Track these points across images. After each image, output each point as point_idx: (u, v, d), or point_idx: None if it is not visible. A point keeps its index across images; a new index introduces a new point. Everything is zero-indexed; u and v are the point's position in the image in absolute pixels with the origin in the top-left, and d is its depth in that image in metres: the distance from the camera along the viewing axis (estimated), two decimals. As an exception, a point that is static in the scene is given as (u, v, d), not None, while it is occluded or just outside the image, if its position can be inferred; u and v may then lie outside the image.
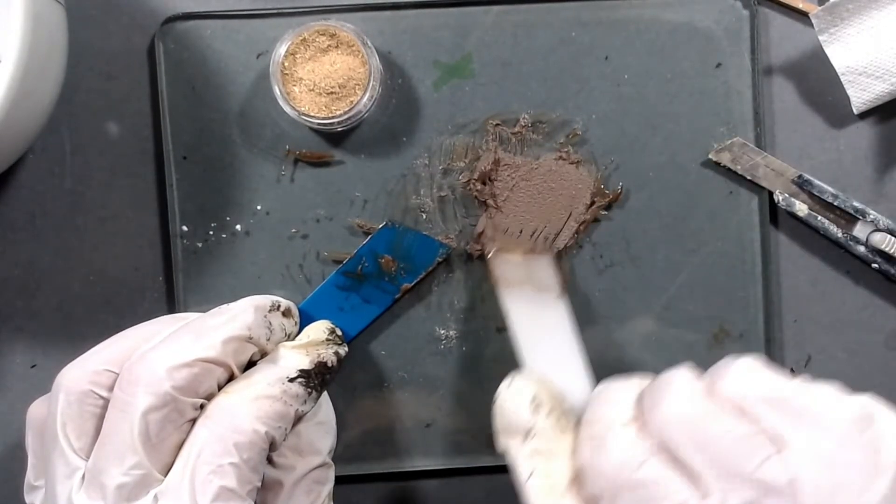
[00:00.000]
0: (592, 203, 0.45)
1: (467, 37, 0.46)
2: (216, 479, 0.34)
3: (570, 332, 0.42)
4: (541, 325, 0.41)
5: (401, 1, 0.46)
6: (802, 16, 0.46)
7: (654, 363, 0.46)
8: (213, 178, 0.46)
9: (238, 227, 0.46)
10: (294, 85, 0.44)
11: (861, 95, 0.45)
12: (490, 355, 0.46)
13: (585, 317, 0.46)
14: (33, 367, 0.47)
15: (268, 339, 0.38)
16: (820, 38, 0.45)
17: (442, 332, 0.46)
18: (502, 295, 0.42)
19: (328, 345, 0.40)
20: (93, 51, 0.46)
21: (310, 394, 0.38)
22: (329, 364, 0.39)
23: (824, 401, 0.29)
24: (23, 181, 0.47)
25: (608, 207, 0.46)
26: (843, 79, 0.45)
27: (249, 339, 0.37)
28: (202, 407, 0.35)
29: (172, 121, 0.46)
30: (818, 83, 0.47)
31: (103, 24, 0.46)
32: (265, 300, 0.39)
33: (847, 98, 0.45)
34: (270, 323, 0.38)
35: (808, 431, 0.28)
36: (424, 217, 0.46)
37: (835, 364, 0.47)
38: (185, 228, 0.46)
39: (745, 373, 0.31)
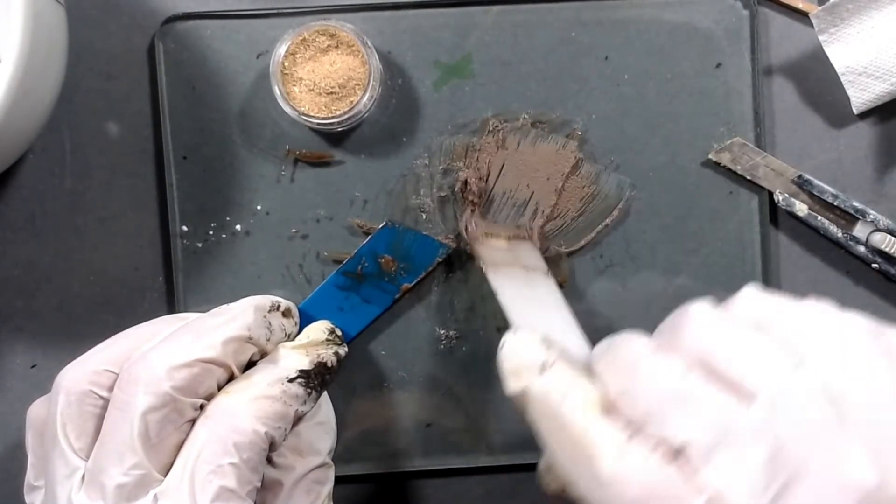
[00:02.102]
0: (573, 170, 0.45)
1: (467, 37, 0.46)
2: (216, 479, 0.34)
3: (563, 303, 0.41)
4: (532, 299, 0.41)
5: (401, 1, 0.46)
6: (802, 16, 0.46)
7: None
8: (213, 178, 0.46)
9: (238, 227, 0.46)
10: (294, 85, 0.44)
11: (861, 95, 0.45)
12: (490, 355, 0.46)
13: (585, 317, 0.46)
14: (33, 367, 0.47)
15: (267, 340, 0.38)
16: (820, 38, 0.45)
17: (442, 332, 0.46)
18: (490, 275, 0.42)
19: (328, 345, 0.40)
20: (93, 51, 0.46)
21: (309, 394, 0.38)
22: (329, 364, 0.39)
23: (837, 315, 0.30)
24: (23, 181, 0.47)
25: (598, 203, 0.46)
26: (843, 79, 0.45)
27: (249, 340, 0.37)
28: (202, 407, 0.35)
29: (172, 121, 0.46)
30: (818, 83, 0.47)
31: (103, 24, 0.46)
32: (265, 300, 0.39)
33: (847, 98, 0.45)
34: (270, 323, 0.38)
35: (831, 343, 0.29)
36: (424, 217, 0.46)
37: (835, 364, 0.47)
38: (185, 228, 0.46)
39: (756, 295, 0.32)
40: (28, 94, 0.38)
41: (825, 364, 0.29)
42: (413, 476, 0.47)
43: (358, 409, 0.46)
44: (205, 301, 0.46)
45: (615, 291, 0.46)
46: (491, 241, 0.44)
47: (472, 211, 0.45)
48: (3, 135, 0.38)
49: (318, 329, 0.41)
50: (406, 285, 0.45)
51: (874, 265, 0.46)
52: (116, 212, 0.47)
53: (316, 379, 0.38)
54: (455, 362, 0.46)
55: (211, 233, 0.46)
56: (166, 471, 0.34)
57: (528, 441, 0.47)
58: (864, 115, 0.47)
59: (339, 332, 0.41)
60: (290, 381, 0.37)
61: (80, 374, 0.36)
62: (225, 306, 0.38)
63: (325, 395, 0.40)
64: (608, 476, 0.29)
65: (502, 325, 0.46)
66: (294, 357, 0.38)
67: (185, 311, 0.46)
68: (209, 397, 0.36)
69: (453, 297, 0.46)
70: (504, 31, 0.46)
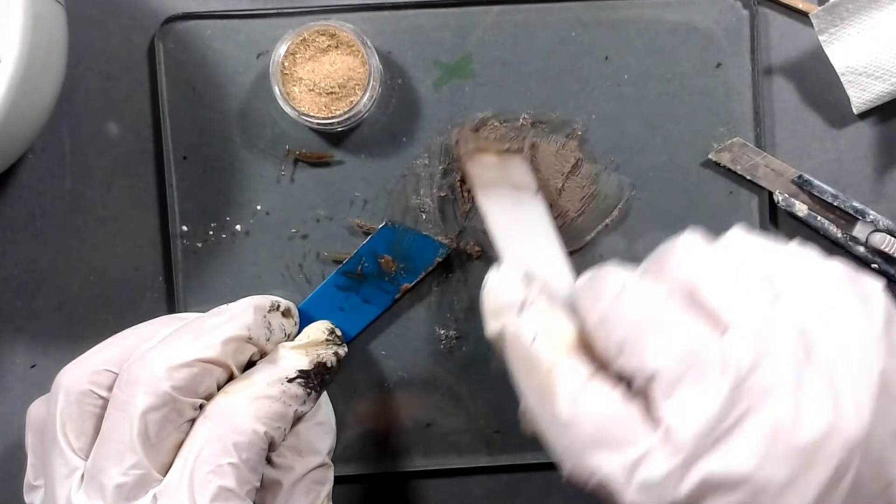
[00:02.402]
0: (573, 170, 0.45)
1: (467, 37, 0.46)
2: (215, 478, 0.34)
3: (550, 228, 0.40)
4: (519, 222, 0.40)
5: (401, 1, 0.46)
6: (802, 16, 0.46)
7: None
8: (213, 178, 0.46)
9: (238, 227, 0.46)
10: (294, 85, 0.44)
11: (861, 95, 0.45)
12: (490, 355, 0.46)
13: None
14: (33, 367, 0.47)
15: (267, 340, 0.38)
16: (820, 38, 0.45)
17: (442, 332, 0.46)
18: (479, 195, 0.41)
19: (328, 345, 0.40)
20: (93, 51, 0.46)
21: (309, 394, 0.38)
22: (328, 364, 0.39)
23: (818, 260, 0.31)
24: (23, 181, 0.47)
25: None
26: (843, 79, 0.45)
27: (249, 340, 0.37)
28: (201, 407, 0.35)
29: (172, 121, 0.46)
30: (818, 83, 0.47)
31: (103, 24, 0.46)
32: (265, 300, 0.39)
33: (847, 98, 0.45)
34: (270, 323, 0.38)
35: (809, 283, 0.30)
36: (424, 217, 0.46)
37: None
38: (185, 228, 0.46)
39: (743, 235, 0.32)
40: (28, 94, 0.38)
41: (800, 302, 0.29)
42: (413, 476, 0.47)
43: (358, 409, 0.46)
44: (205, 301, 0.46)
45: (564, 251, 0.46)
46: (482, 156, 0.43)
47: (464, 126, 0.44)
48: (3, 135, 0.38)
49: (318, 329, 0.41)
50: (406, 285, 0.45)
51: (874, 265, 0.46)
52: (116, 212, 0.47)
53: (315, 379, 0.38)
54: (455, 362, 0.46)
55: (211, 233, 0.46)
56: (165, 470, 0.34)
57: (528, 441, 0.47)
58: (864, 115, 0.47)
59: (338, 333, 0.41)
60: (290, 381, 0.37)
61: (80, 373, 0.36)
62: (224, 306, 0.38)
63: (324, 395, 0.40)
64: (565, 415, 0.29)
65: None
66: (294, 357, 0.38)
67: (185, 311, 0.46)
68: (209, 397, 0.36)
69: (453, 297, 0.46)
70: (504, 31, 0.46)
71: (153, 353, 0.35)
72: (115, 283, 0.47)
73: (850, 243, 0.46)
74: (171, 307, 0.46)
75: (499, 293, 0.33)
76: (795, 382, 0.27)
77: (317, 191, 0.46)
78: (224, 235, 0.46)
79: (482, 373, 0.46)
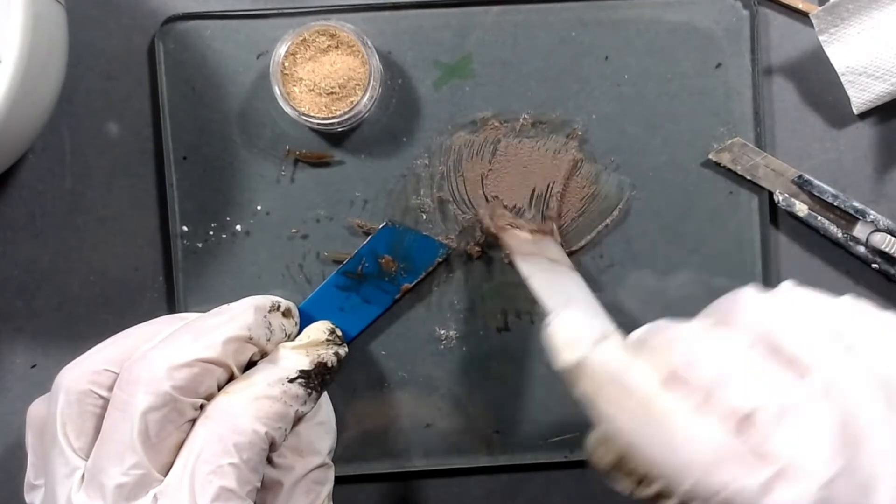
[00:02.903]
0: (573, 170, 0.45)
1: (467, 37, 0.46)
2: (216, 479, 0.34)
3: (591, 295, 0.41)
4: (562, 287, 0.41)
5: (401, 1, 0.46)
6: (802, 16, 0.46)
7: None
8: (213, 178, 0.46)
9: (238, 227, 0.46)
10: (294, 85, 0.44)
11: (861, 95, 0.45)
12: (490, 355, 0.46)
13: (585, 317, 0.46)
14: (33, 367, 0.47)
15: (268, 340, 0.38)
16: (820, 38, 0.45)
17: (442, 332, 0.46)
18: (518, 262, 0.41)
19: (328, 345, 0.40)
20: (93, 51, 0.46)
21: (310, 394, 0.38)
22: (329, 364, 0.39)
23: (875, 310, 0.32)
24: (23, 181, 0.47)
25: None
26: (843, 79, 0.45)
27: (249, 340, 0.37)
28: (202, 407, 0.35)
29: (172, 121, 0.46)
30: (818, 83, 0.47)
31: (103, 24, 0.46)
32: (265, 300, 0.39)
33: (847, 98, 0.45)
34: (270, 323, 0.38)
35: (874, 332, 0.31)
36: (424, 217, 0.46)
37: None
38: (185, 228, 0.46)
39: (798, 287, 0.33)
40: (28, 94, 0.38)
41: (872, 350, 0.30)
42: (413, 476, 0.47)
43: (358, 409, 0.46)
44: (205, 301, 0.46)
45: (615, 291, 0.46)
46: (516, 231, 0.44)
47: (496, 199, 0.45)
48: (3, 135, 0.38)
49: (319, 329, 0.41)
50: (406, 285, 0.45)
51: (874, 265, 0.46)
52: (116, 212, 0.47)
53: (316, 379, 0.38)
54: (455, 362, 0.46)
55: (211, 233, 0.46)
56: (166, 470, 0.34)
57: (528, 441, 0.47)
58: (864, 115, 0.47)
59: (339, 332, 0.41)
60: (291, 381, 0.37)
61: (80, 373, 0.36)
62: (225, 306, 0.38)
63: (325, 395, 0.40)
64: (681, 440, 0.29)
65: (502, 326, 0.46)
66: (294, 357, 0.38)
67: (185, 311, 0.46)
68: (209, 397, 0.36)
69: (453, 297, 0.46)
70: (504, 31, 0.46)
71: (154, 352, 0.35)
72: (115, 283, 0.47)
73: (850, 243, 0.46)
74: (171, 307, 0.46)
75: (573, 326, 0.33)
76: (891, 423, 0.28)
77: (317, 191, 0.46)
78: (224, 235, 0.46)
79: (482, 373, 0.46)
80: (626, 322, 0.45)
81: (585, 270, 0.46)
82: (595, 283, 0.46)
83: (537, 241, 0.44)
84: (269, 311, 0.39)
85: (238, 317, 0.37)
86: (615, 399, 0.31)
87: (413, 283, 0.45)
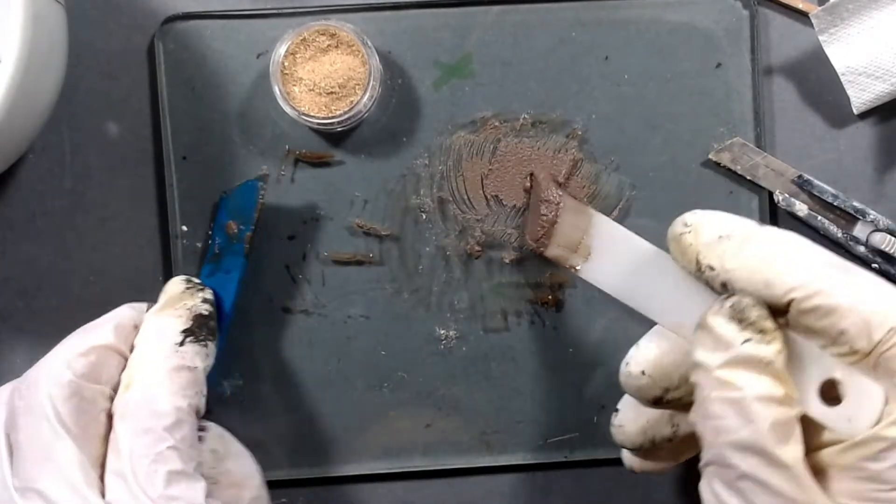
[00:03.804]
0: (573, 170, 0.45)
1: (467, 37, 0.46)
2: (160, 466, 0.33)
3: (666, 260, 0.37)
4: (639, 277, 0.38)
5: (401, 1, 0.46)
6: (802, 16, 0.46)
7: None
8: (213, 178, 0.46)
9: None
10: (294, 85, 0.44)
11: (861, 95, 0.45)
12: (490, 355, 0.46)
13: (584, 317, 0.46)
14: (33, 367, 0.47)
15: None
16: (820, 38, 0.45)
17: (442, 332, 0.46)
18: (584, 275, 0.39)
19: (191, 294, 0.39)
20: (93, 51, 0.46)
21: (205, 346, 0.37)
22: (205, 313, 0.38)
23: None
24: (23, 181, 0.47)
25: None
26: (843, 79, 0.45)
27: (135, 326, 0.37)
28: (111, 400, 0.35)
29: (172, 121, 0.46)
30: (818, 83, 0.47)
31: (103, 24, 0.46)
32: (139, 304, 0.39)
33: (847, 98, 0.45)
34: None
35: None
36: (424, 217, 0.46)
37: (835, 364, 0.47)
38: (185, 228, 0.46)
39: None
40: (28, 94, 0.38)
41: None
42: (413, 476, 0.47)
43: (358, 410, 0.46)
44: (205, 301, 0.46)
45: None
46: (560, 248, 0.40)
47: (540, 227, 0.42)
48: (2, 135, 0.38)
49: (174, 285, 0.39)
50: (248, 234, 0.43)
51: (874, 265, 0.46)
52: (116, 212, 0.47)
53: (202, 331, 0.37)
54: (455, 362, 0.46)
55: (211, 233, 0.46)
56: (100, 463, 0.34)
57: (528, 441, 0.47)
58: (864, 115, 0.47)
59: (195, 280, 0.40)
60: (181, 344, 0.36)
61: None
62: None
63: (222, 431, 0.39)
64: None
65: (500, 327, 0.46)
66: (169, 321, 0.37)
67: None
68: (115, 388, 0.35)
69: (453, 297, 0.46)
70: (504, 31, 0.46)
71: (47, 357, 0.35)
72: (115, 283, 0.47)
73: (850, 243, 0.46)
74: (171, 307, 0.46)
75: (718, 330, 0.31)
76: None
77: (317, 191, 0.46)
78: (224, 235, 0.46)
79: (482, 373, 0.46)
80: (627, 322, 0.46)
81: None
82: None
83: (567, 221, 0.41)
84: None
85: (120, 309, 0.37)
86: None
87: (253, 230, 0.43)
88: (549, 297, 0.46)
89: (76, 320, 0.46)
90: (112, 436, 0.34)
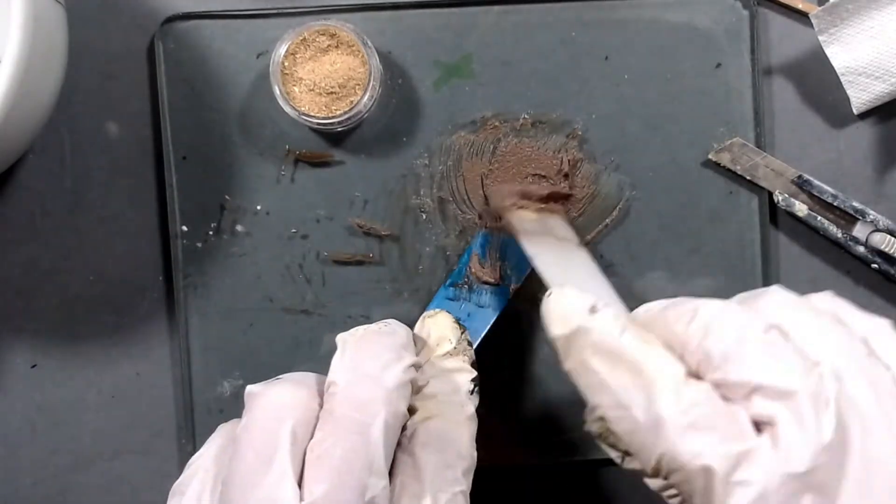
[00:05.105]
0: (573, 170, 0.45)
1: (467, 37, 0.46)
2: None
3: (599, 271, 0.40)
4: (569, 265, 0.40)
5: (401, 1, 0.46)
6: (802, 16, 0.46)
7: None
8: (213, 178, 0.46)
9: (238, 227, 0.46)
10: (294, 85, 0.44)
11: (861, 95, 0.45)
12: (489, 356, 0.46)
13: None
14: (33, 367, 0.47)
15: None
16: (820, 38, 0.45)
17: (442, 332, 0.46)
18: (524, 242, 0.41)
19: (463, 336, 0.40)
20: (93, 51, 0.46)
21: (478, 394, 0.38)
22: (474, 358, 0.39)
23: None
24: (23, 181, 0.47)
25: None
26: (843, 79, 0.45)
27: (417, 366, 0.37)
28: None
29: (172, 121, 0.46)
30: (818, 83, 0.47)
31: (103, 24, 0.46)
32: (409, 329, 0.38)
33: (847, 98, 0.45)
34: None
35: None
36: (424, 217, 0.46)
37: (835, 364, 0.47)
38: (185, 228, 0.46)
39: (834, 298, 0.33)
40: (28, 94, 0.38)
41: (889, 355, 0.30)
42: (413, 476, 0.47)
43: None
44: (205, 301, 0.46)
45: (615, 291, 0.46)
46: (521, 212, 0.43)
47: (502, 185, 0.44)
48: (3, 135, 0.38)
49: (449, 325, 0.40)
50: (514, 286, 0.45)
51: (874, 265, 0.46)
52: (116, 212, 0.47)
53: (477, 379, 0.38)
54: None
55: (211, 233, 0.46)
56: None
57: (528, 441, 0.47)
58: (864, 115, 0.47)
59: (460, 322, 0.41)
60: (472, 392, 0.37)
61: (304, 395, 0.33)
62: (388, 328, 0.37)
63: None
64: (667, 403, 0.29)
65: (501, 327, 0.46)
66: (461, 367, 0.38)
67: (185, 311, 0.46)
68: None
69: (453, 297, 0.46)
70: (504, 31, 0.46)
71: (377, 371, 0.33)
72: (115, 283, 0.47)
73: (850, 243, 0.46)
74: (171, 307, 0.46)
75: (566, 299, 0.33)
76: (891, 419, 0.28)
77: (317, 191, 0.46)
78: (224, 235, 0.46)
79: (482, 373, 0.46)
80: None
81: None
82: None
83: (544, 219, 0.43)
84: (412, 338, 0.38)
85: (409, 340, 0.36)
86: (609, 365, 0.31)
87: (521, 284, 0.45)
88: (549, 297, 0.46)
89: (76, 320, 0.47)
90: (416, 456, 0.34)
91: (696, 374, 0.31)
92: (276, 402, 0.32)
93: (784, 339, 0.30)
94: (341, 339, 0.36)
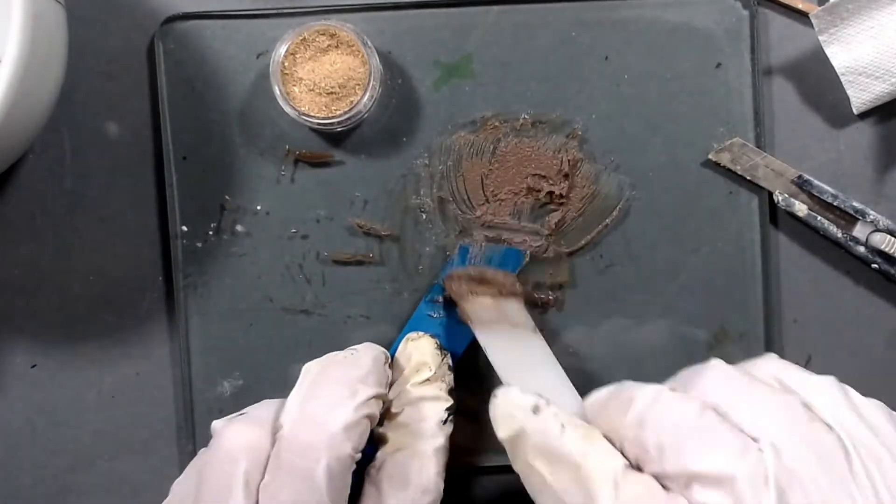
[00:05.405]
0: (573, 170, 0.45)
1: (467, 37, 0.46)
2: None
3: (552, 361, 0.41)
4: (522, 357, 0.41)
5: (401, 1, 0.46)
6: (802, 16, 0.46)
7: (655, 364, 0.46)
8: (213, 178, 0.46)
9: (238, 227, 0.46)
10: (294, 85, 0.44)
11: (861, 95, 0.45)
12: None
13: (585, 317, 0.46)
14: (33, 367, 0.47)
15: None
16: (820, 38, 0.45)
17: (442, 332, 0.46)
18: (477, 332, 0.41)
19: (444, 363, 0.40)
20: (93, 51, 0.46)
21: (453, 422, 0.38)
22: (452, 385, 0.39)
23: (857, 395, 0.31)
24: (23, 181, 0.47)
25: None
26: (843, 79, 0.45)
27: (381, 397, 0.37)
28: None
29: (172, 121, 0.46)
30: (818, 83, 0.47)
31: (103, 24, 0.46)
32: (380, 353, 0.39)
33: (847, 98, 0.45)
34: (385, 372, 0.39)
35: (848, 411, 0.30)
36: (424, 217, 0.46)
37: (835, 364, 0.47)
38: (185, 228, 0.46)
39: (778, 362, 0.33)
40: (28, 94, 0.38)
41: (841, 426, 0.30)
42: (413, 476, 0.47)
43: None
44: (205, 301, 0.46)
45: (615, 291, 0.46)
46: (477, 298, 0.42)
47: (459, 271, 0.44)
48: (3, 135, 0.38)
49: (430, 351, 0.40)
50: None
51: (874, 265, 0.46)
52: (116, 212, 0.47)
53: (452, 408, 0.39)
54: (455, 362, 0.46)
55: (211, 233, 0.46)
56: None
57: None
58: (864, 115, 0.47)
59: (442, 347, 0.41)
60: (444, 422, 0.38)
61: (253, 434, 0.34)
62: (351, 356, 0.38)
63: None
64: (607, 500, 0.30)
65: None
66: (437, 398, 0.38)
67: (185, 311, 0.46)
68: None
69: (453, 297, 0.46)
70: (504, 31, 0.46)
71: (319, 412, 0.34)
72: (115, 283, 0.47)
73: (850, 243, 0.46)
74: (171, 307, 0.46)
75: (511, 399, 0.34)
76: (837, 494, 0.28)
77: (317, 191, 0.46)
78: (224, 235, 0.46)
79: (483, 374, 0.46)
80: (627, 322, 0.46)
81: (585, 270, 0.46)
82: (594, 283, 0.46)
83: (499, 304, 0.43)
84: (384, 364, 0.39)
85: (377, 355, 0.37)
86: (551, 465, 0.32)
87: None
88: (550, 297, 0.46)
89: (76, 320, 0.47)
90: (375, 490, 0.35)
91: (637, 466, 0.31)
92: (233, 442, 0.33)
93: (720, 420, 0.30)
94: (306, 368, 0.37)
